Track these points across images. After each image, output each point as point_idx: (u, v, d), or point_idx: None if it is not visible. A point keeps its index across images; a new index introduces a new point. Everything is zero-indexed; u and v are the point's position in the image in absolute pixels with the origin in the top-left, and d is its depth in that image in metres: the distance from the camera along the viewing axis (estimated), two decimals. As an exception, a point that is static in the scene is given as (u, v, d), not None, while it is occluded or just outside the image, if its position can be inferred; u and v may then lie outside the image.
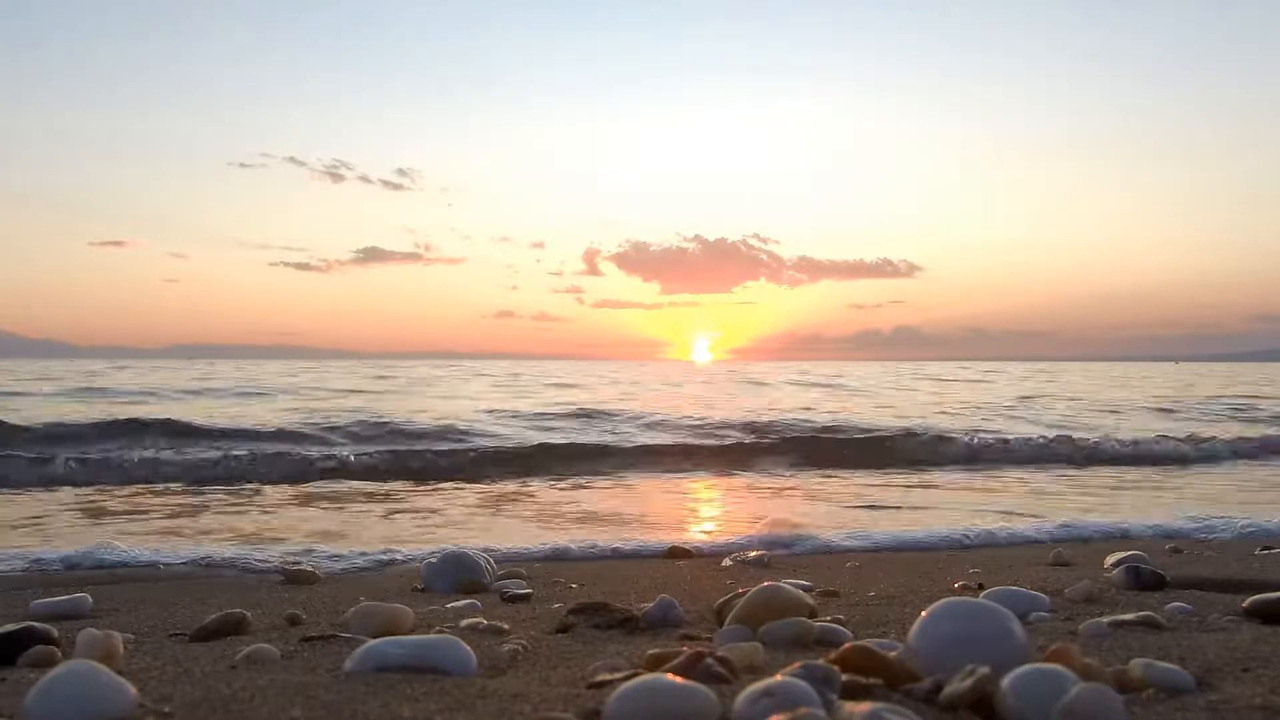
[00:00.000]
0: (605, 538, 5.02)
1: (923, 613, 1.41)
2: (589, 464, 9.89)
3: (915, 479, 9.15)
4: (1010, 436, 12.27)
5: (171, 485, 8.16)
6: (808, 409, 17.03)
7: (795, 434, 12.51)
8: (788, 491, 8.08)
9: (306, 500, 7.25)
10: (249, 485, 8.22)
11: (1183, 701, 1.27)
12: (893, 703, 1.17)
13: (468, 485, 8.44)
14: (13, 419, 11.72)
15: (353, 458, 9.76)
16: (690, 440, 12.10)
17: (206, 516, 6.29)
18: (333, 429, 12.22)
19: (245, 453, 9.63)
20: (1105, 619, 1.89)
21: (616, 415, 14.70)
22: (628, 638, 1.98)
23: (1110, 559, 3.02)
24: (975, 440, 11.78)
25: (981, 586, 2.54)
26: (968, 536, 4.96)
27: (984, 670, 1.21)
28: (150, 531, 5.61)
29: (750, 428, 13.19)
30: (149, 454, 9.60)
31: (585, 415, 14.76)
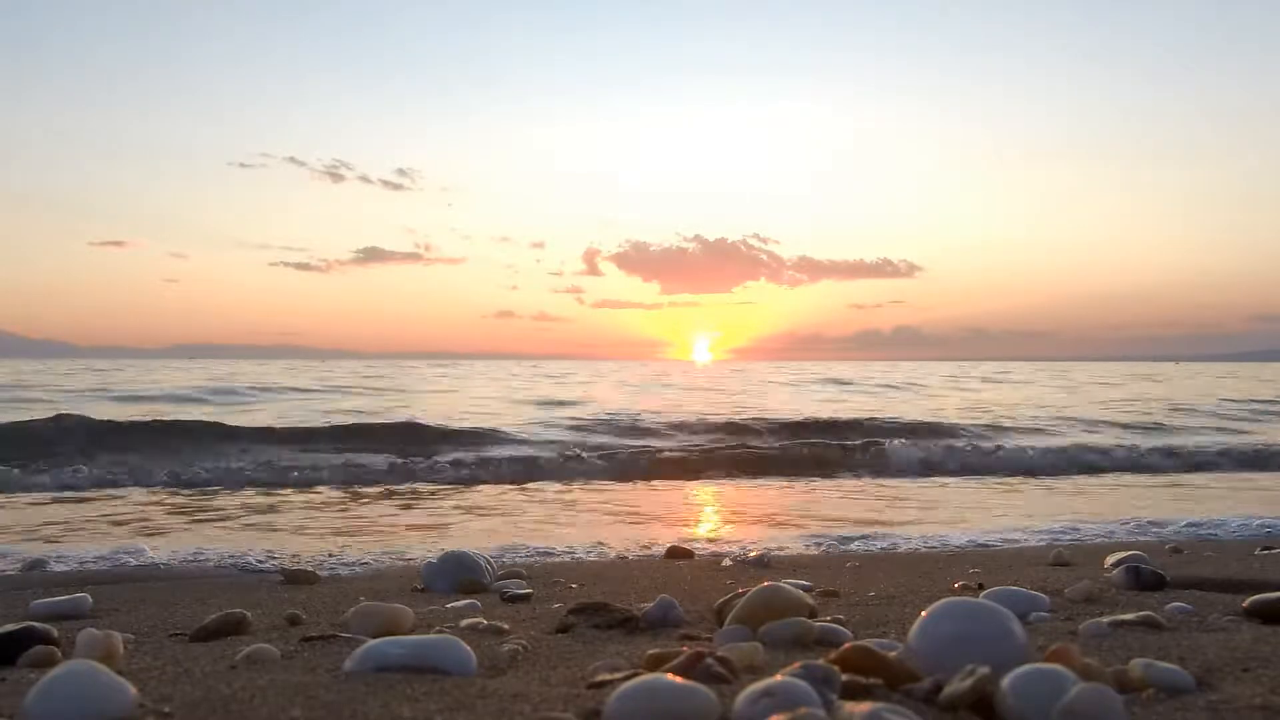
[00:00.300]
0: (607, 538, 5.02)
1: (923, 613, 1.41)
2: (593, 465, 9.88)
3: (921, 482, 9.14)
4: (1016, 443, 12.28)
5: (200, 490, 8.16)
6: (837, 408, 17.10)
7: (803, 435, 12.52)
8: (792, 492, 8.08)
9: (309, 503, 7.25)
10: (251, 488, 8.22)
11: (1183, 701, 1.27)
12: (893, 703, 1.17)
13: (472, 488, 8.44)
14: (19, 419, 11.73)
15: (362, 462, 9.76)
16: (699, 442, 12.11)
17: (215, 519, 6.29)
18: (341, 430, 12.24)
19: (269, 458, 9.68)
20: (1105, 619, 1.89)
21: (621, 416, 14.72)
22: (628, 638, 1.98)
23: (1110, 559, 3.01)
24: (984, 445, 11.78)
25: (981, 586, 2.53)
26: (968, 537, 4.96)
27: (984, 670, 1.21)
28: (169, 534, 5.61)
29: (763, 427, 13.22)
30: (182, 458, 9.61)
31: (591, 416, 14.78)
